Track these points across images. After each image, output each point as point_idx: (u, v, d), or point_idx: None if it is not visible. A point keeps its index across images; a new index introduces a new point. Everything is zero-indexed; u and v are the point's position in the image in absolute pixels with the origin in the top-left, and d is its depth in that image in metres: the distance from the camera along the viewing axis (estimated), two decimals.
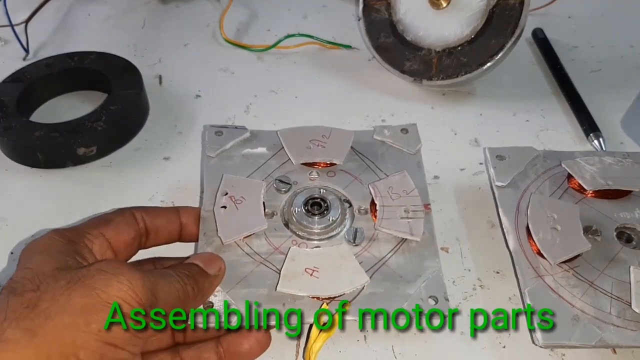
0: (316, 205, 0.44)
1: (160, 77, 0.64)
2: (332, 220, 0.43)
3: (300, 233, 0.43)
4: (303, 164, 0.47)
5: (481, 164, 0.52)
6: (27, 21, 0.67)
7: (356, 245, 0.42)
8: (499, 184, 0.47)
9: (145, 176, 0.53)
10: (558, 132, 0.56)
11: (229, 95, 0.62)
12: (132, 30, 0.71)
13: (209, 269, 0.39)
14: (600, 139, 0.53)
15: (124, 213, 0.39)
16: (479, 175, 0.52)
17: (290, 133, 0.49)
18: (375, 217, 0.44)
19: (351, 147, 0.48)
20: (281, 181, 0.46)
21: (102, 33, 0.71)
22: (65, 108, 0.60)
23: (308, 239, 0.43)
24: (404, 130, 0.49)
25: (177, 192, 0.51)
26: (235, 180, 0.45)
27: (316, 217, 0.43)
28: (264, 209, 0.44)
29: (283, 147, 0.48)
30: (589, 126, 0.54)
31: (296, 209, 0.44)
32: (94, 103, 0.58)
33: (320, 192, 0.45)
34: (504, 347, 0.40)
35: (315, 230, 0.43)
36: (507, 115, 0.58)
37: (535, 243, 0.43)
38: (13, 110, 0.56)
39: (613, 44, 0.65)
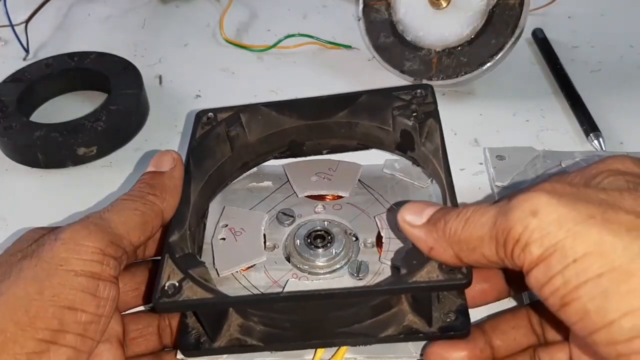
0: (319, 238, 0.42)
1: (160, 77, 0.64)
2: (335, 253, 0.41)
3: (301, 266, 0.41)
4: (309, 196, 0.46)
5: (481, 164, 0.52)
6: (27, 21, 0.67)
7: (360, 279, 0.40)
8: (499, 184, 0.48)
9: None
10: (558, 132, 0.56)
11: (229, 95, 0.62)
12: (132, 30, 0.71)
13: (161, 167, 0.38)
14: (600, 139, 0.53)
15: None
16: (479, 175, 0.52)
17: (296, 166, 0.47)
18: (382, 250, 0.42)
19: (359, 181, 0.47)
20: (284, 214, 0.44)
21: (102, 33, 0.71)
22: (65, 108, 0.60)
23: (310, 273, 0.41)
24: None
25: None
26: (236, 212, 0.44)
27: (319, 250, 0.41)
28: (265, 242, 0.42)
29: (288, 180, 0.47)
30: (589, 126, 0.54)
31: (298, 241, 0.42)
32: (94, 103, 0.58)
33: (324, 224, 0.43)
34: None
35: (318, 264, 0.41)
36: (507, 115, 0.58)
37: None
38: (13, 110, 0.56)
39: (613, 44, 0.65)
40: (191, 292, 0.34)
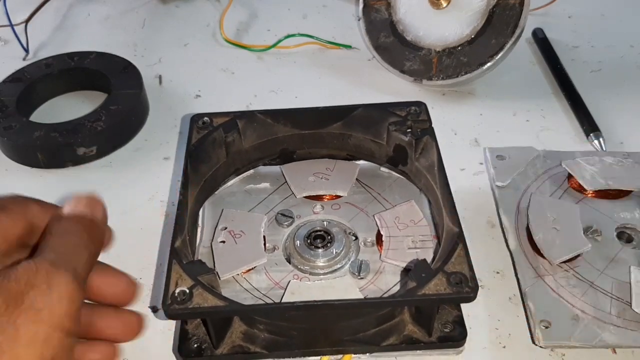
0: (319, 238, 0.42)
1: (160, 77, 0.64)
2: (335, 253, 0.41)
3: (302, 267, 0.41)
4: (307, 197, 0.46)
5: (481, 164, 0.52)
6: (27, 21, 0.67)
7: (361, 278, 0.41)
8: (499, 184, 0.48)
9: (145, 176, 0.53)
10: (558, 132, 0.56)
11: (229, 95, 0.62)
12: (132, 30, 0.71)
13: (95, 213, 0.33)
14: (601, 139, 0.53)
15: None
16: (479, 175, 0.52)
17: (293, 167, 0.48)
18: (382, 248, 0.42)
19: (357, 180, 0.47)
20: (283, 215, 0.44)
21: (102, 33, 0.71)
22: (65, 108, 0.60)
23: (310, 273, 0.41)
24: None
25: (176, 192, 0.51)
26: (235, 214, 0.44)
27: (319, 250, 0.42)
28: (265, 243, 0.43)
29: (286, 181, 0.47)
30: (589, 126, 0.54)
31: (298, 242, 0.42)
32: (94, 103, 0.58)
33: (323, 224, 0.43)
34: (504, 347, 0.40)
35: (318, 264, 0.41)
36: (507, 115, 0.58)
37: (535, 243, 0.43)
38: (13, 110, 0.56)
39: (613, 44, 0.65)
40: (201, 299, 0.34)
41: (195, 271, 0.36)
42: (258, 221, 0.44)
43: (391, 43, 0.60)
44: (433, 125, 0.44)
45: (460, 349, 0.39)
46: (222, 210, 0.45)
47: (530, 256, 0.42)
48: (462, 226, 0.38)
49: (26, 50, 0.67)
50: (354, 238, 0.43)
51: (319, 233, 0.43)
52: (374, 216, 0.44)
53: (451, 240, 0.37)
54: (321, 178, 0.47)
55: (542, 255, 0.42)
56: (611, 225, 0.44)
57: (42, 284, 0.28)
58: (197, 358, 0.37)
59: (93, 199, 0.33)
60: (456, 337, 0.38)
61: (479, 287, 0.36)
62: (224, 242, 0.43)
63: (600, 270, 0.41)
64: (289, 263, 0.42)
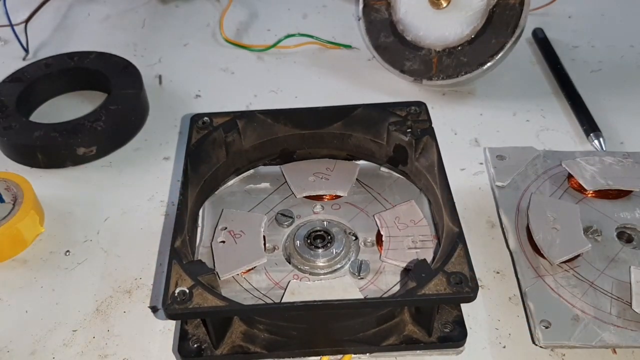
0: (319, 238, 0.42)
1: (160, 77, 0.64)
2: (335, 253, 0.41)
3: (302, 267, 0.41)
4: (307, 197, 0.46)
5: (481, 164, 0.52)
6: (27, 21, 0.67)
7: (361, 278, 0.41)
8: (499, 184, 0.48)
9: (145, 176, 0.53)
10: (558, 132, 0.56)
11: (229, 95, 0.62)
12: (132, 30, 0.71)
13: None
14: (601, 139, 0.53)
15: None
16: (479, 175, 0.52)
17: (293, 167, 0.48)
18: (382, 248, 0.42)
19: (357, 180, 0.47)
20: (283, 215, 0.44)
21: (102, 33, 0.71)
22: (65, 108, 0.60)
23: (310, 273, 0.41)
24: None
25: (176, 192, 0.51)
26: (234, 214, 0.44)
27: (319, 250, 0.42)
28: (265, 243, 0.42)
29: (286, 181, 0.47)
30: (589, 126, 0.54)
31: (298, 242, 0.42)
32: (94, 103, 0.58)
33: (323, 224, 0.43)
34: (504, 347, 0.40)
35: (318, 264, 0.41)
36: (507, 115, 0.58)
37: (535, 243, 0.43)
38: (13, 110, 0.56)
39: (613, 44, 0.65)
40: (201, 300, 0.34)
41: (195, 271, 0.36)
42: (258, 221, 0.44)
43: (391, 43, 0.60)
44: (433, 125, 0.44)
45: (460, 349, 0.39)
46: (222, 210, 0.45)
47: (530, 256, 0.42)
48: (462, 226, 0.38)
49: (26, 50, 0.67)
50: (354, 238, 0.43)
51: (319, 233, 0.43)
52: (374, 216, 0.44)
53: (451, 240, 0.37)
54: (321, 178, 0.47)
55: (542, 255, 0.42)
56: (611, 225, 0.44)
57: None
58: (197, 358, 0.37)
59: None
60: (456, 337, 0.38)
61: (479, 287, 0.36)
62: (223, 242, 0.43)
63: (600, 270, 0.41)
64: (289, 263, 0.42)
